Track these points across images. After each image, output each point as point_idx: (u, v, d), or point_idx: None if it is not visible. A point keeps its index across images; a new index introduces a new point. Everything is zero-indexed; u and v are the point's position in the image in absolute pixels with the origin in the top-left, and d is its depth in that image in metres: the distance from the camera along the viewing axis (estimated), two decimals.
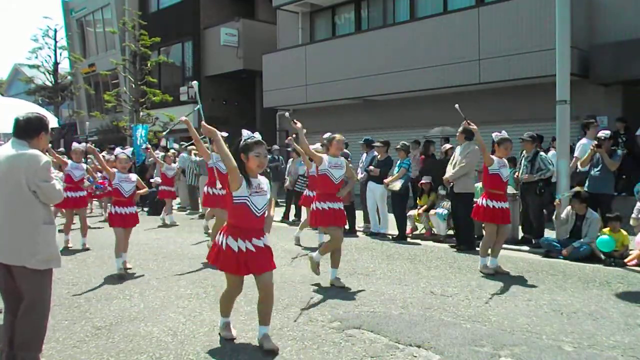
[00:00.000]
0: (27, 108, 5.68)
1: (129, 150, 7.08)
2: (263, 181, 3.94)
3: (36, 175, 3.36)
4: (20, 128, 3.50)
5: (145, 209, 12.97)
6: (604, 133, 7.93)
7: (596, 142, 7.63)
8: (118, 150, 7.01)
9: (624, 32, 10.89)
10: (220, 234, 3.91)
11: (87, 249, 8.14)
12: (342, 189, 5.99)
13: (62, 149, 19.88)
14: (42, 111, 5.56)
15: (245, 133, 3.95)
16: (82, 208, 8.66)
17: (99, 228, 10.57)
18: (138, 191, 6.93)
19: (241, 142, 3.88)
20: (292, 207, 11.43)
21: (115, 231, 6.55)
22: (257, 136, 3.95)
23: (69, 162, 8.47)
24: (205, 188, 7.47)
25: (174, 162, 12.63)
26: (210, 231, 10.33)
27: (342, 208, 5.94)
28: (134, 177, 6.78)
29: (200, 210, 12.24)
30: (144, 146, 16.11)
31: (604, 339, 4.07)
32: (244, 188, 3.77)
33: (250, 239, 3.80)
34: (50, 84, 26.62)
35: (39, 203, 3.42)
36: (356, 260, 7.17)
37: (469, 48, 12.48)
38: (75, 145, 8.78)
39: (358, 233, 9.67)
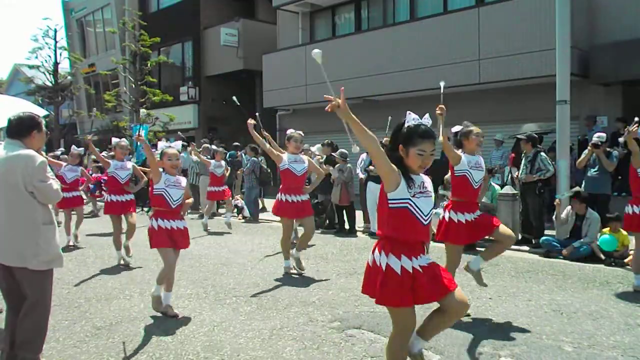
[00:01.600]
0: (20, 105, 5.66)
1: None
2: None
3: (33, 175, 3.34)
4: (13, 128, 3.48)
5: (146, 209, 12.96)
6: (599, 137, 7.88)
7: (593, 143, 7.64)
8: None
9: (624, 32, 10.88)
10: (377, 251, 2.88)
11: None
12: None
13: (62, 148, 19.90)
14: (28, 107, 5.52)
15: (412, 117, 3.07)
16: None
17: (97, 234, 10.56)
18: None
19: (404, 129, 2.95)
20: None
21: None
22: (426, 120, 3.04)
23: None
24: (279, 195, 6.43)
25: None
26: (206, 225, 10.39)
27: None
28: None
29: (200, 210, 12.24)
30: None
31: (604, 339, 4.07)
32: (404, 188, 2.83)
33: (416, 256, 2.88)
34: (50, 84, 26.62)
35: (38, 204, 3.41)
36: (356, 260, 7.17)
37: (469, 48, 12.48)
38: (73, 148, 9.23)
39: (358, 233, 9.67)
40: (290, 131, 6.60)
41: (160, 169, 4.82)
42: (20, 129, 3.48)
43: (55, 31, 26.30)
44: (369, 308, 4.90)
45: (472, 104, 12.98)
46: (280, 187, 6.41)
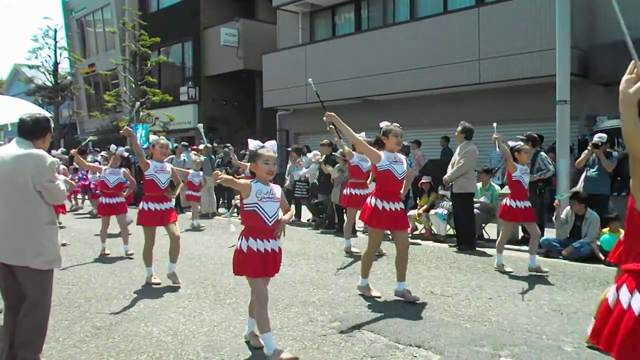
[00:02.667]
0: (25, 107, 5.68)
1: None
2: None
3: (42, 175, 3.38)
4: (28, 128, 3.51)
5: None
6: (599, 137, 7.88)
7: (593, 143, 7.65)
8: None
9: (624, 33, 10.89)
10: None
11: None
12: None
13: (62, 149, 19.90)
14: (40, 110, 5.56)
15: None
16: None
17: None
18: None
19: None
20: (292, 207, 11.44)
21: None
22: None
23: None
24: (372, 200, 5.38)
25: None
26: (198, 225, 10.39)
27: (404, 208, 6.13)
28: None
29: (200, 209, 12.24)
30: (145, 145, 16.09)
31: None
32: None
33: None
34: (50, 84, 26.63)
35: (44, 203, 3.44)
36: (356, 260, 7.17)
37: (469, 48, 12.49)
38: (113, 147, 8.57)
39: (358, 233, 9.66)
40: (385, 124, 5.23)
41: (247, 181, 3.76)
42: (35, 129, 3.53)
43: (55, 31, 26.32)
44: (369, 308, 4.90)
45: (472, 103, 12.98)
46: (374, 190, 5.28)
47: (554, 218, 7.39)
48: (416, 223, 9.37)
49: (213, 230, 10.29)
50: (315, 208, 10.69)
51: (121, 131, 5.81)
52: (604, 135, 7.96)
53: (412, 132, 13.70)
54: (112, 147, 8.00)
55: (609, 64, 11.00)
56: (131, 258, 7.43)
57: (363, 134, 4.16)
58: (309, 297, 5.29)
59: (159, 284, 5.84)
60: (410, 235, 9.11)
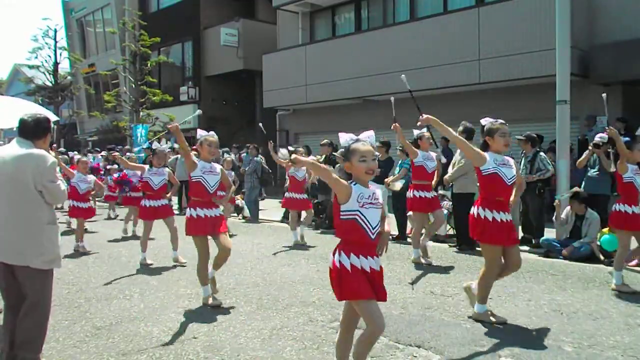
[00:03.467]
0: (28, 107, 5.69)
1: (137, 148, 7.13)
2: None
3: (43, 175, 3.39)
4: (29, 129, 3.52)
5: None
6: (600, 137, 7.87)
7: (594, 143, 7.64)
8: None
9: (624, 32, 10.89)
10: None
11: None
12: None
13: (62, 149, 19.88)
14: (42, 110, 5.57)
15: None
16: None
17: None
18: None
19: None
20: None
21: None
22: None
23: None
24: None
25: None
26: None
27: (436, 195, 6.94)
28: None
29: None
30: (145, 146, 16.10)
31: (604, 339, 4.07)
32: None
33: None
34: (50, 84, 26.63)
35: (44, 203, 3.45)
36: None
37: (469, 48, 12.48)
38: (156, 145, 7.58)
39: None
40: (487, 121, 4.90)
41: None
42: (36, 130, 3.54)
43: (55, 31, 26.31)
44: None
45: (472, 103, 12.98)
46: (479, 199, 4.86)
47: (554, 218, 7.39)
48: None
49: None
50: (315, 208, 10.68)
51: (169, 126, 4.92)
52: (605, 135, 7.95)
53: (412, 132, 13.70)
54: (155, 144, 7.36)
55: (609, 64, 11.02)
56: (183, 265, 6.80)
57: (371, 132, 3.13)
58: (309, 297, 5.29)
59: (219, 305, 4.96)
60: (410, 235, 9.13)
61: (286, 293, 5.45)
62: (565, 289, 5.58)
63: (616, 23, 11.18)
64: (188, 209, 5.10)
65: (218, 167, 5.23)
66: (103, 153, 17.59)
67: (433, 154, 7.16)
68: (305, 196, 8.84)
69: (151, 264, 7.05)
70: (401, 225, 9.04)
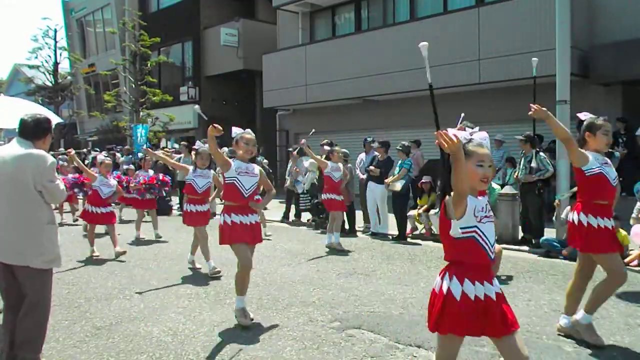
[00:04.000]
0: (29, 107, 5.70)
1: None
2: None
3: (43, 175, 3.40)
4: (29, 129, 3.53)
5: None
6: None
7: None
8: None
9: (624, 32, 10.89)
10: None
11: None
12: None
13: (61, 149, 19.89)
14: (44, 111, 5.57)
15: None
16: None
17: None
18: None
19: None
20: (292, 207, 11.42)
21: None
22: None
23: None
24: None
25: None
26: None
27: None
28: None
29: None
30: (144, 146, 16.10)
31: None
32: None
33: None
34: (50, 84, 26.63)
35: (44, 203, 3.46)
36: (356, 260, 7.17)
37: (469, 48, 12.48)
38: (199, 145, 6.80)
39: (358, 233, 9.67)
40: (587, 116, 4.34)
41: None
42: (36, 130, 3.55)
43: (55, 31, 26.32)
44: (369, 308, 4.90)
45: (472, 103, 12.97)
46: (578, 204, 4.34)
47: (554, 218, 7.39)
48: (416, 223, 9.37)
49: (213, 230, 10.27)
50: (315, 208, 10.68)
51: (216, 125, 4.40)
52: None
53: (412, 132, 13.71)
54: (198, 143, 6.69)
55: (609, 64, 11.02)
56: (217, 277, 6.28)
57: (485, 134, 2.82)
58: (309, 297, 5.29)
59: (250, 323, 4.45)
60: (410, 235, 9.15)
61: (286, 293, 5.45)
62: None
63: (616, 23, 11.18)
64: (221, 215, 4.62)
65: (257, 168, 4.78)
66: (104, 153, 17.59)
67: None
68: (341, 197, 8.35)
69: (198, 269, 6.60)
70: (401, 225, 9.03)
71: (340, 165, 8.42)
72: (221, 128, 4.40)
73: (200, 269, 6.69)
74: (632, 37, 10.69)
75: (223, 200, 4.80)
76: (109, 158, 9.06)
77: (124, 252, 7.50)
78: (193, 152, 7.16)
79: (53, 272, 3.56)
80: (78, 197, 13.55)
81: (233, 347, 3.97)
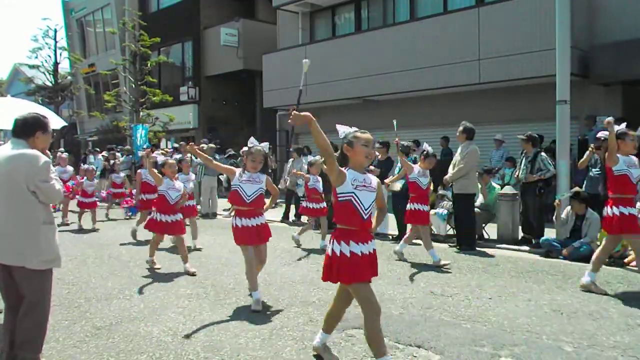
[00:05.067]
0: (30, 108, 5.70)
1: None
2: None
3: (36, 175, 3.35)
4: (18, 128, 3.51)
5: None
6: (603, 133, 7.90)
7: (594, 145, 7.65)
8: (253, 140, 5.04)
9: (624, 32, 10.89)
10: None
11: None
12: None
13: (62, 149, 19.89)
14: (46, 112, 5.56)
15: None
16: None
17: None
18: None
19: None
20: (292, 207, 11.42)
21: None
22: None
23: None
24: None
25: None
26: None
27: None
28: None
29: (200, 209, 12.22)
30: (145, 146, 16.09)
31: (604, 339, 4.07)
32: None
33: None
34: (50, 84, 26.63)
35: (39, 203, 3.42)
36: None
37: (469, 48, 12.49)
38: (252, 142, 5.16)
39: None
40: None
41: None
42: (24, 129, 3.51)
43: (55, 31, 26.31)
44: None
45: (472, 103, 12.99)
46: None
47: (554, 218, 7.39)
48: None
49: (213, 230, 10.29)
50: None
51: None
52: (607, 133, 7.96)
53: (412, 132, 13.71)
54: (252, 140, 5.16)
55: (609, 64, 11.02)
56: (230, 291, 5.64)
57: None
58: (309, 297, 5.29)
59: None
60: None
61: (286, 293, 5.45)
62: (565, 289, 5.58)
63: (616, 23, 11.18)
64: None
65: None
66: (104, 153, 17.59)
67: (636, 160, 5.70)
68: (428, 208, 7.40)
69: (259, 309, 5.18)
70: (401, 225, 9.02)
71: (427, 171, 7.35)
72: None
73: (159, 268, 6.69)
74: (632, 37, 10.69)
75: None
76: (172, 158, 7.87)
77: (194, 274, 6.33)
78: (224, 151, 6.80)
79: (53, 272, 3.55)
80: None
81: (233, 347, 3.97)
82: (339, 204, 3.30)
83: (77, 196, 11.01)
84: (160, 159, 7.44)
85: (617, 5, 11.34)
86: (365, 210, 3.29)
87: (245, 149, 5.71)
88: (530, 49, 11.36)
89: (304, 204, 8.81)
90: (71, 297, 5.37)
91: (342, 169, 3.26)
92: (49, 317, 3.54)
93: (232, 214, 6.95)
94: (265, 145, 5.19)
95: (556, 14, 8.23)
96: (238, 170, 5.09)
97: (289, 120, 3.22)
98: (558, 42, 8.18)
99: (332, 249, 3.32)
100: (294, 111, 3.29)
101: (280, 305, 5.00)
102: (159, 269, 6.68)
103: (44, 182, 3.39)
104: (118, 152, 17.82)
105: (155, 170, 6.75)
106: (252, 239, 5.07)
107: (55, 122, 6.43)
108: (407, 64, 13.67)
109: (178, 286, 5.83)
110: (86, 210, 10.73)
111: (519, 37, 11.57)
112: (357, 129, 3.39)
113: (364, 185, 3.31)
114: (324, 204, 8.38)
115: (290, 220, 11.34)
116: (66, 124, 6.20)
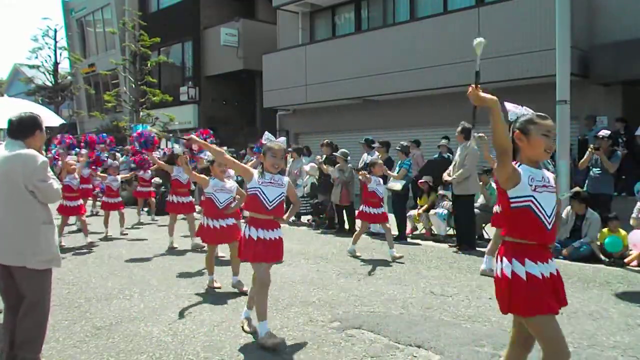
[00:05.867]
0: (27, 107, 5.69)
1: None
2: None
3: (33, 175, 3.35)
4: (14, 128, 3.50)
5: (145, 209, 12.94)
6: (603, 132, 7.94)
7: (594, 145, 7.67)
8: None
9: (624, 32, 10.88)
10: None
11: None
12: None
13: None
14: (43, 110, 5.56)
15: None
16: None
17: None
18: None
19: None
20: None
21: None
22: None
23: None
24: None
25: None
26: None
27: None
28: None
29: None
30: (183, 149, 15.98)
31: (604, 339, 4.07)
32: None
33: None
34: (50, 84, 26.65)
35: (38, 203, 3.42)
36: (356, 260, 7.17)
37: (469, 48, 12.37)
38: (267, 136, 4.71)
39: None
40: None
41: None
42: (21, 128, 3.50)
43: (55, 31, 26.34)
44: (369, 308, 4.90)
45: (472, 104, 12.97)
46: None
47: None
48: (416, 223, 9.37)
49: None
50: (315, 208, 10.69)
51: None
52: (607, 132, 7.98)
53: (412, 132, 13.72)
54: (267, 135, 4.78)
55: (609, 64, 11.02)
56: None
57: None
58: (309, 297, 5.29)
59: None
60: (410, 235, 9.15)
61: (286, 293, 5.44)
62: (565, 289, 5.57)
63: (616, 23, 11.18)
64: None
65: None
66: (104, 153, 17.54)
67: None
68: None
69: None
70: (401, 226, 9.03)
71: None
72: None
73: (219, 288, 5.80)
74: (632, 37, 10.68)
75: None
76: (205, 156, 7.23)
77: (245, 291, 5.37)
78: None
79: (53, 273, 3.55)
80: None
81: (233, 347, 3.97)
82: (511, 212, 2.57)
83: (99, 195, 10.36)
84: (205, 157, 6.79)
85: (617, 5, 11.33)
86: (549, 217, 2.55)
87: (264, 145, 4.57)
88: (530, 49, 11.35)
89: (361, 208, 7.73)
90: (71, 297, 5.37)
91: (513, 164, 2.57)
92: (49, 317, 3.54)
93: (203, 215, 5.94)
94: (283, 141, 4.49)
95: (556, 14, 8.23)
96: (255, 171, 4.21)
97: (468, 94, 2.76)
98: (558, 42, 8.18)
99: (502, 269, 2.62)
100: (477, 89, 2.81)
101: (280, 305, 5.00)
102: (219, 288, 5.69)
103: (42, 182, 3.39)
104: (118, 152, 17.82)
105: (195, 172, 6.02)
106: (269, 255, 4.10)
107: (54, 119, 6.43)
108: (407, 64, 13.67)
109: (178, 286, 5.82)
110: (112, 210, 9.70)
111: (519, 37, 11.57)
112: (533, 112, 2.80)
113: (544, 186, 2.58)
114: (384, 209, 7.64)
115: (290, 220, 11.32)
116: (64, 122, 6.13)
